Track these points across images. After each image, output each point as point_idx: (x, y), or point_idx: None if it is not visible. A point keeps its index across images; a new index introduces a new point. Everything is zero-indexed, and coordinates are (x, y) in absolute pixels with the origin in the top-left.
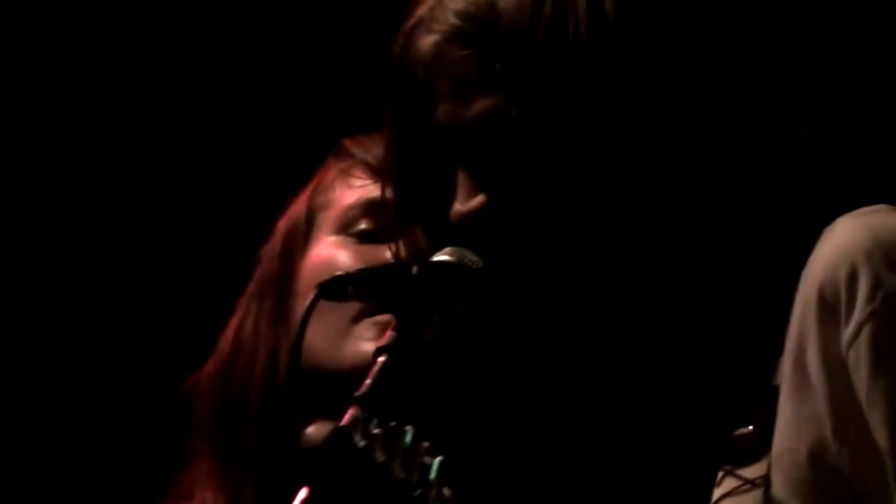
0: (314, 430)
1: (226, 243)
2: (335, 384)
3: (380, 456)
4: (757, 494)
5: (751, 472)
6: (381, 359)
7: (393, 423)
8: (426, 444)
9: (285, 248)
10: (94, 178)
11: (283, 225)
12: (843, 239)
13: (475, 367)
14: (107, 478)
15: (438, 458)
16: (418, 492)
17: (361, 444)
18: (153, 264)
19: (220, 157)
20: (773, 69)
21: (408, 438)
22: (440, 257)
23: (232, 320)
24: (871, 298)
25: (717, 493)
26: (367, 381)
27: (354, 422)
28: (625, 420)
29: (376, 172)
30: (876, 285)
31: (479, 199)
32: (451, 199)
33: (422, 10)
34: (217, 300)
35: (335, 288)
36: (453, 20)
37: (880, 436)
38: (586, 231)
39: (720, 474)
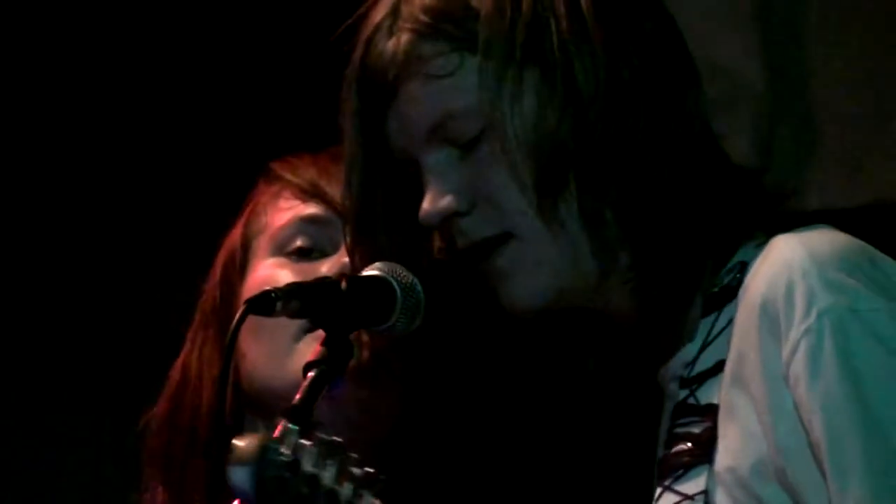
0: (242, 444)
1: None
2: (283, 400)
3: (308, 467)
4: None
5: (689, 487)
6: (311, 374)
7: (322, 436)
8: (355, 455)
9: (224, 277)
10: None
11: (220, 255)
12: (780, 257)
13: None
14: None
15: (370, 469)
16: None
17: (289, 456)
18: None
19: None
20: None
21: (337, 450)
22: (370, 272)
23: (180, 355)
24: (807, 314)
25: None
26: (298, 396)
27: (282, 434)
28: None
29: (306, 194)
30: (811, 302)
31: (452, 194)
32: (415, 202)
33: (379, 15)
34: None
35: (263, 303)
36: (424, 18)
37: (819, 449)
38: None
39: (658, 490)
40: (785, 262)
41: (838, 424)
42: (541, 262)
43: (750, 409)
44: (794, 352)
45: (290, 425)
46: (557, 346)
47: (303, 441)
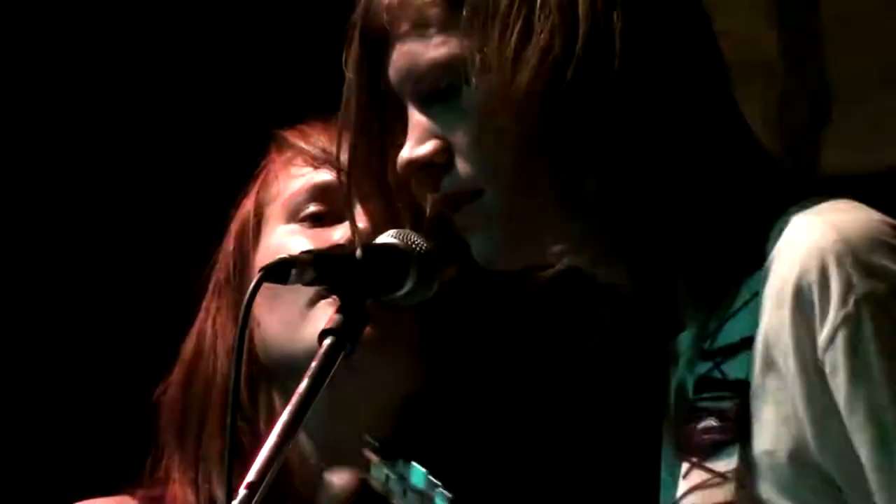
0: (339, 483)
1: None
2: (296, 368)
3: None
4: (729, 488)
5: (720, 465)
6: (327, 342)
7: (405, 466)
8: (438, 483)
9: (237, 245)
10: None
11: (233, 223)
12: (810, 239)
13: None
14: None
15: (447, 494)
16: None
17: (383, 491)
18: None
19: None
20: None
21: (420, 479)
22: (384, 240)
23: (194, 325)
24: (844, 302)
25: (684, 485)
26: (313, 364)
27: (374, 469)
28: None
29: (318, 160)
30: (848, 289)
31: (431, 144)
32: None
33: None
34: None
35: (278, 271)
36: None
37: (860, 442)
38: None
39: (686, 466)
40: (815, 244)
41: (884, 422)
42: (507, 219)
43: (784, 395)
44: (831, 340)
45: (378, 459)
46: (564, 312)
47: (392, 474)
